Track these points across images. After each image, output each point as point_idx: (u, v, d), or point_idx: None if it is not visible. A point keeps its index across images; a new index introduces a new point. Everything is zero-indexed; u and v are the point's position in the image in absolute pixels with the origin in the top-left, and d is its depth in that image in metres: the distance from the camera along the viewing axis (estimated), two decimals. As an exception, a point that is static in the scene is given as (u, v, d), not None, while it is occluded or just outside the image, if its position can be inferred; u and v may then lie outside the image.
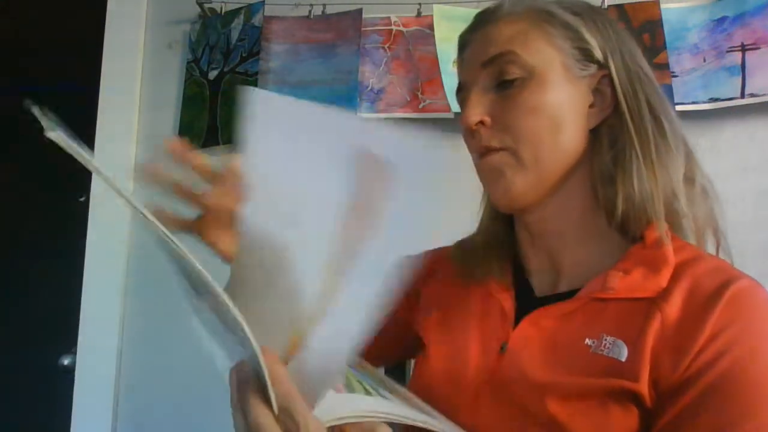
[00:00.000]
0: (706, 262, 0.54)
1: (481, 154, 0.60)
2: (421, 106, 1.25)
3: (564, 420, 0.49)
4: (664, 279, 0.52)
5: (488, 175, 0.60)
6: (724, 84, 1.10)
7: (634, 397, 0.48)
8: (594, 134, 0.59)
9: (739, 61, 1.11)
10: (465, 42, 0.65)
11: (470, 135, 0.61)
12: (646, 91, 0.59)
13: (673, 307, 0.50)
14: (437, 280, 0.71)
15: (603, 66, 0.59)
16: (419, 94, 1.26)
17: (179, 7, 1.45)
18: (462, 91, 0.64)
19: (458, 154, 1.35)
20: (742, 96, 1.09)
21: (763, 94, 1.08)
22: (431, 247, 0.75)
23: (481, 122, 0.59)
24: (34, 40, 1.72)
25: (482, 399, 0.56)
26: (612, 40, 0.60)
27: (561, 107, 0.57)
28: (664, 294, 0.51)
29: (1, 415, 1.68)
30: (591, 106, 0.59)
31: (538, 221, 0.62)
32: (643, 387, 0.48)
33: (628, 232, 0.57)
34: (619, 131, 0.58)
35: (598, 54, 0.59)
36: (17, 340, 1.67)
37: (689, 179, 0.58)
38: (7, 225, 1.75)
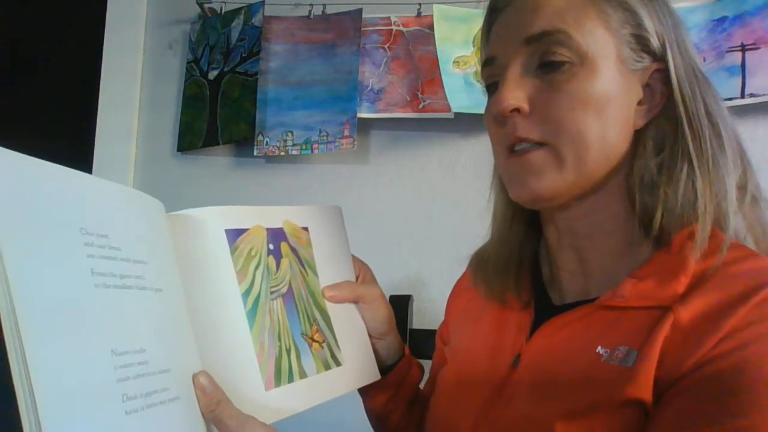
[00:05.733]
0: (747, 263, 0.48)
1: (511, 147, 0.53)
2: (421, 106, 1.25)
3: None
4: (680, 285, 0.48)
5: (518, 173, 0.53)
6: (724, 84, 1.10)
7: (638, 405, 0.46)
8: (637, 135, 0.53)
9: (739, 61, 1.11)
10: (500, 5, 0.56)
11: (500, 123, 0.54)
12: (703, 91, 0.52)
13: (690, 310, 0.46)
14: (465, 293, 0.71)
15: (658, 59, 0.52)
16: (419, 94, 1.26)
17: (179, 7, 1.45)
18: (491, 66, 0.56)
19: (457, 155, 1.35)
20: (742, 96, 1.09)
21: (763, 94, 1.08)
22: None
23: (517, 109, 0.52)
24: (35, 40, 1.72)
25: (489, 411, 0.55)
26: (670, 28, 0.53)
27: (610, 102, 0.51)
28: (681, 300, 0.47)
29: None
30: (639, 103, 0.53)
31: (567, 219, 0.57)
32: (647, 391, 0.45)
33: (661, 239, 0.51)
34: (670, 135, 0.52)
35: (655, 44, 0.52)
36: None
37: (740, 187, 0.52)
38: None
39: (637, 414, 0.46)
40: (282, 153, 1.30)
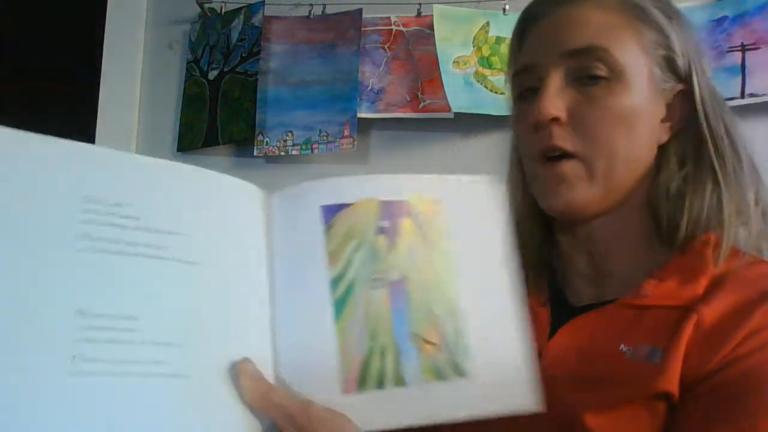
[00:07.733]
0: (762, 267, 0.52)
1: (545, 155, 0.55)
2: (421, 106, 1.25)
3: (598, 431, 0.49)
4: (700, 287, 0.51)
5: (550, 183, 0.55)
6: (724, 84, 1.10)
7: (665, 397, 0.48)
8: (660, 151, 0.56)
9: (739, 61, 1.11)
10: (537, 14, 0.58)
11: (536, 130, 0.55)
12: (723, 113, 0.56)
13: (712, 310, 0.49)
14: None
15: (683, 80, 0.56)
16: (419, 94, 1.26)
17: (179, 7, 1.45)
18: (525, 74, 0.58)
19: (457, 155, 1.34)
20: (742, 96, 1.09)
21: (763, 94, 1.08)
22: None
23: (556, 119, 0.54)
24: (35, 40, 1.72)
25: None
26: (695, 53, 0.57)
27: (640, 118, 0.54)
28: (702, 300, 0.50)
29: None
30: (662, 120, 0.56)
31: (586, 227, 0.58)
32: (674, 385, 0.48)
33: (682, 245, 0.54)
34: (691, 151, 0.55)
35: (682, 67, 0.55)
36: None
37: (754, 202, 0.56)
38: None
39: (664, 406, 0.48)
40: (282, 153, 1.30)
